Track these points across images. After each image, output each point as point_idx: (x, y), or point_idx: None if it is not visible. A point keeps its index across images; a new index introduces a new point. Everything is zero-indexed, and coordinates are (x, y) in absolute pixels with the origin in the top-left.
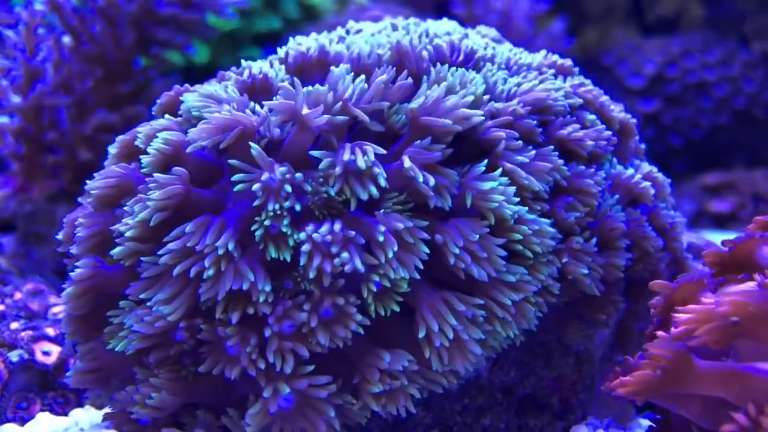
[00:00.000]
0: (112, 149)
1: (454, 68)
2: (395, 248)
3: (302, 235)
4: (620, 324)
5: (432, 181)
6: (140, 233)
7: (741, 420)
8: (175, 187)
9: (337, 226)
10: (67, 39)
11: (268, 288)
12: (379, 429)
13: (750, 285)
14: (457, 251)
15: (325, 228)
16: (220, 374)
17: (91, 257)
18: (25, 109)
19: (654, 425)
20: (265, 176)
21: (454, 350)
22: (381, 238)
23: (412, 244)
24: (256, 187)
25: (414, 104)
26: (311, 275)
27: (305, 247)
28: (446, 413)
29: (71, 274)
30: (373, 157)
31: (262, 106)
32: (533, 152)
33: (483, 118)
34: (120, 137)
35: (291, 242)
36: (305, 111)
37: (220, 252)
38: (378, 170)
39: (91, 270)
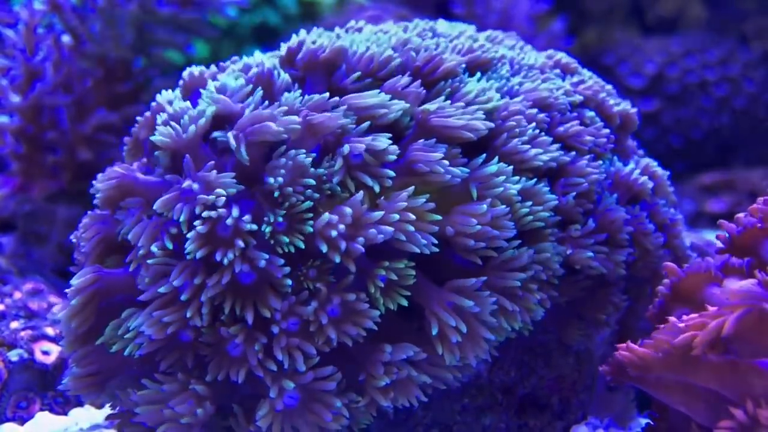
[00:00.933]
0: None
1: (476, 78)
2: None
3: (323, 217)
4: (621, 323)
5: (444, 164)
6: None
7: (739, 416)
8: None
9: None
10: (66, 39)
11: (287, 270)
12: (378, 429)
13: (751, 282)
14: (476, 229)
15: (344, 210)
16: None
17: (92, 266)
18: (25, 108)
19: (652, 422)
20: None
21: (466, 341)
22: (397, 217)
23: (423, 221)
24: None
25: (427, 106)
26: (337, 260)
27: (333, 233)
28: (446, 413)
29: (73, 281)
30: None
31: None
32: (531, 131)
33: (493, 125)
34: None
35: (308, 228)
36: (317, 120)
37: (246, 228)
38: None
39: (92, 275)
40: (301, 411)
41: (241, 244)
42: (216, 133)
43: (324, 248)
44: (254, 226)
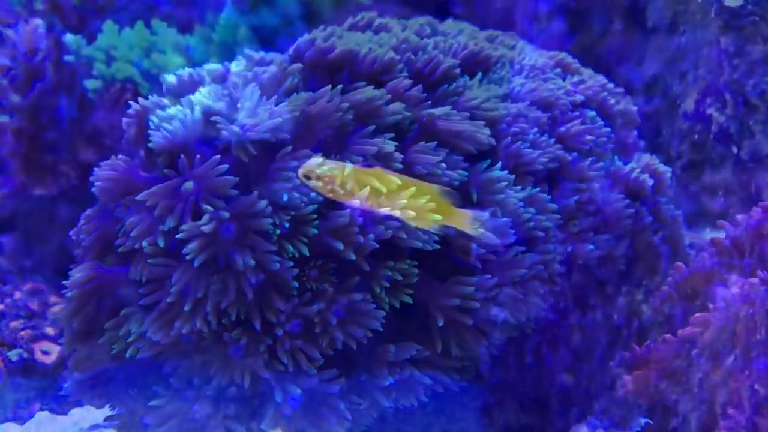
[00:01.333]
0: None
1: (477, 79)
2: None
3: (343, 217)
4: (620, 323)
5: (443, 167)
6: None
7: (738, 418)
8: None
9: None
10: (67, 39)
11: (295, 272)
12: (377, 428)
13: (755, 281)
14: (480, 231)
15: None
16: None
17: (91, 262)
18: (25, 108)
19: (651, 422)
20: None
21: (471, 335)
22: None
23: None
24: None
25: (434, 111)
26: (352, 257)
27: (354, 229)
28: (446, 413)
29: (71, 276)
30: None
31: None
32: (532, 135)
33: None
34: None
35: (312, 230)
36: (314, 110)
37: (265, 225)
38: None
39: (91, 272)
40: (306, 414)
41: (268, 246)
42: (216, 119)
43: (339, 246)
44: (270, 225)
